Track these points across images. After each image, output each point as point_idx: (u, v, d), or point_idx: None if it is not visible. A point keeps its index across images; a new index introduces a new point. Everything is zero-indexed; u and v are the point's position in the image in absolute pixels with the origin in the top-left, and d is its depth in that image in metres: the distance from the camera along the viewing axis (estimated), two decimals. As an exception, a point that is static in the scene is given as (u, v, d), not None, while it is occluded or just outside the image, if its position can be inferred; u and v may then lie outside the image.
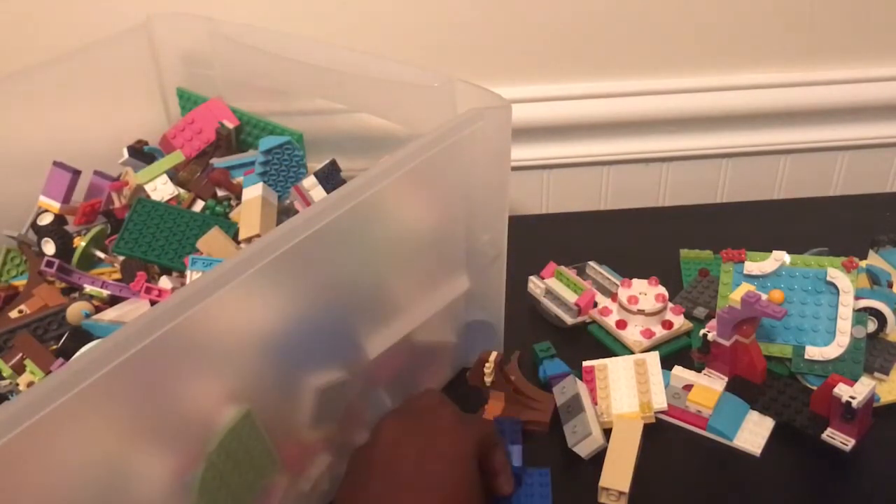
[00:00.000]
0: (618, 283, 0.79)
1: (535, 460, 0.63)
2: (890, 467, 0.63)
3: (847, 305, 0.70)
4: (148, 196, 0.74)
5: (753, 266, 0.74)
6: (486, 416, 0.68)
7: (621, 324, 0.75)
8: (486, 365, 0.67)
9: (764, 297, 0.64)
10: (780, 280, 0.73)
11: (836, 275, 0.71)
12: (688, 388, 0.67)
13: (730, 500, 0.61)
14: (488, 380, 0.67)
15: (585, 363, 0.71)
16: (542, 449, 0.65)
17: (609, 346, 0.75)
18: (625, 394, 0.68)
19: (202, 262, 0.64)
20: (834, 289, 0.71)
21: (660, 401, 0.67)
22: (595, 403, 0.67)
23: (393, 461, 0.52)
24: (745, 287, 0.65)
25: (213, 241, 0.66)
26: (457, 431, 0.54)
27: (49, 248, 0.70)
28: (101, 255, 0.71)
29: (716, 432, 0.65)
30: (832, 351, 0.68)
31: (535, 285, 0.80)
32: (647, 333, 0.74)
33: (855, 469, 0.62)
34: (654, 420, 0.67)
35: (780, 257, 0.73)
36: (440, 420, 0.55)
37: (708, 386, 0.67)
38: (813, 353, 0.69)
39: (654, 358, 0.71)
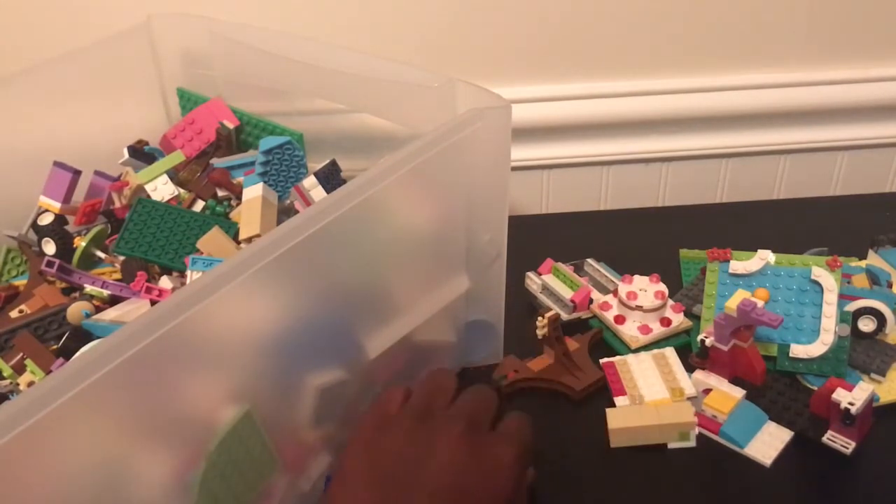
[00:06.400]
0: (615, 280, 0.79)
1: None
2: (891, 467, 0.63)
3: (831, 304, 0.70)
4: (148, 196, 0.74)
5: (739, 265, 0.74)
6: (531, 366, 0.70)
7: (619, 319, 0.75)
8: (539, 320, 0.68)
9: (760, 304, 0.64)
10: (765, 279, 0.73)
11: (821, 273, 0.71)
12: (707, 392, 0.67)
13: (727, 499, 0.62)
14: (539, 333, 0.68)
15: (605, 360, 0.72)
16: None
17: (608, 341, 0.75)
18: (653, 383, 0.69)
19: (202, 262, 0.64)
20: (819, 287, 0.71)
21: (689, 387, 0.67)
22: (624, 394, 0.68)
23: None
24: (741, 294, 0.65)
25: (213, 241, 0.66)
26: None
27: (49, 247, 0.70)
28: (101, 255, 0.71)
29: (727, 438, 0.65)
30: (816, 349, 0.68)
31: (532, 281, 0.80)
32: (645, 329, 0.74)
33: (856, 470, 0.62)
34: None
35: (764, 256, 0.74)
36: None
37: (727, 392, 0.66)
38: (798, 351, 0.69)
39: (671, 352, 0.72)
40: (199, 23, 0.78)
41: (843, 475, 0.62)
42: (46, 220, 0.71)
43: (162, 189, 0.74)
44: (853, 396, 0.61)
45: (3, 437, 0.35)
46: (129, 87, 0.82)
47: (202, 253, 0.66)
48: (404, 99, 0.67)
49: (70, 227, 0.73)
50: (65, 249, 0.70)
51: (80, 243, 0.70)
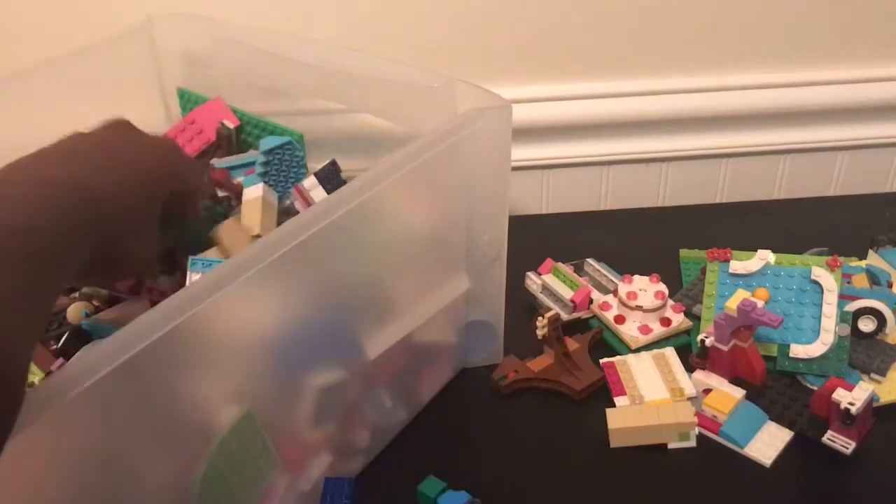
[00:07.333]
0: (615, 280, 0.79)
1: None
2: (891, 467, 0.63)
3: (831, 304, 0.70)
4: (148, 196, 0.73)
5: (739, 265, 0.74)
6: (531, 366, 0.70)
7: (619, 319, 0.75)
8: (539, 320, 0.68)
9: (760, 304, 0.64)
10: (765, 279, 0.73)
11: (821, 273, 0.71)
12: (707, 392, 0.67)
13: (727, 499, 0.62)
14: (539, 333, 0.69)
15: (604, 360, 0.72)
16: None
17: (608, 341, 0.75)
18: (653, 383, 0.69)
19: (202, 263, 0.64)
20: (819, 287, 0.71)
21: (689, 387, 0.68)
22: (624, 394, 0.68)
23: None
24: (741, 294, 0.65)
25: (229, 230, 0.65)
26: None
27: (49, 248, 0.70)
28: (101, 255, 0.71)
29: (727, 438, 0.65)
30: (816, 349, 0.68)
31: (532, 281, 0.80)
32: (645, 330, 0.74)
33: (856, 470, 0.62)
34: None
35: (764, 256, 0.74)
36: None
37: (727, 392, 0.66)
38: (798, 351, 0.69)
39: (671, 352, 0.72)
40: (199, 23, 0.78)
41: (843, 475, 0.62)
42: (46, 220, 0.71)
43: (162, 189, 0.74)
44: (853, 396, 0.61)
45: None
46: (129, 87, 0.82)
47: (204, 252, 0.65)
48: (404, 99, 0.67)
49: (70, 228, 0.73)
50: (65, 249, 0.70)
51: (81, 243, 0.70)
